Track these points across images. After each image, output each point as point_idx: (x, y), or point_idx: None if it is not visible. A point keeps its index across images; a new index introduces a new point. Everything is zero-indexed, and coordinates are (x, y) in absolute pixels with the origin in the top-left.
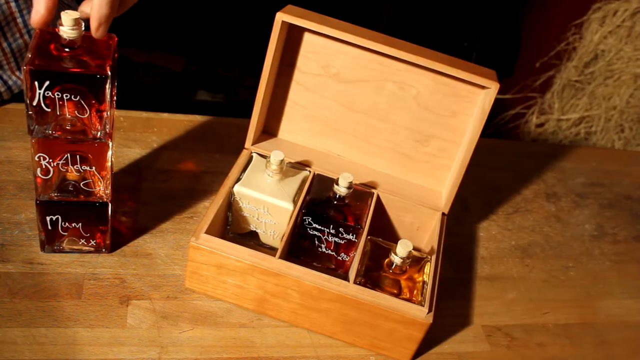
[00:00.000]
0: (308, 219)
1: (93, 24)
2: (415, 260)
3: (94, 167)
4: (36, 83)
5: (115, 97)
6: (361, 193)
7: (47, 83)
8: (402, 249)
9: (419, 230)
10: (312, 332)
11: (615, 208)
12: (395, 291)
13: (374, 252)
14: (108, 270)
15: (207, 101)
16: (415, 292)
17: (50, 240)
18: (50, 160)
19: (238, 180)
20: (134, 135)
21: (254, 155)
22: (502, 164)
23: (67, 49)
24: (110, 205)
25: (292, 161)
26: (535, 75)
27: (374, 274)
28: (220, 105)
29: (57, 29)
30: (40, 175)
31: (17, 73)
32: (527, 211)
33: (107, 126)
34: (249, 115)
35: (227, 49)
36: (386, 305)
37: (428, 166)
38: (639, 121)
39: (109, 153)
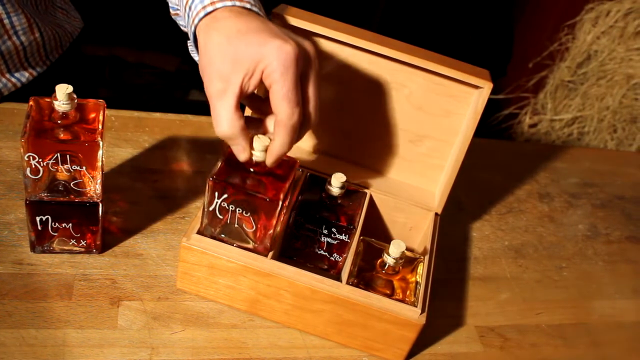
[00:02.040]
0: (300, 219)
1: (269, 160)
2: (408, 261)
3: (84, 167)
4: None
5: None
6: (354, 193)
7: None
8: (395, 250)
9: (412, 231)
10: (304, 333)
11: (608, 208)
12: (388, 292)
13: (367, 253)
14: (99, 271)
15: (200, 101)
16: (408, 292)
17: (40, 241)
18: (40, 160)
19: None
20: (125, 135)
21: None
22: (495, 164)
23: None
24: (101, 205)
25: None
26: (528, 76)
27: (366, 275)
28: None
29: None
30: (29, 175)
31: (7, 75)
32: (520, 211)
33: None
34: None
35: None
36: (379, 306)
37: (421, 166)
38: (632, 121)
39: (100, 153)
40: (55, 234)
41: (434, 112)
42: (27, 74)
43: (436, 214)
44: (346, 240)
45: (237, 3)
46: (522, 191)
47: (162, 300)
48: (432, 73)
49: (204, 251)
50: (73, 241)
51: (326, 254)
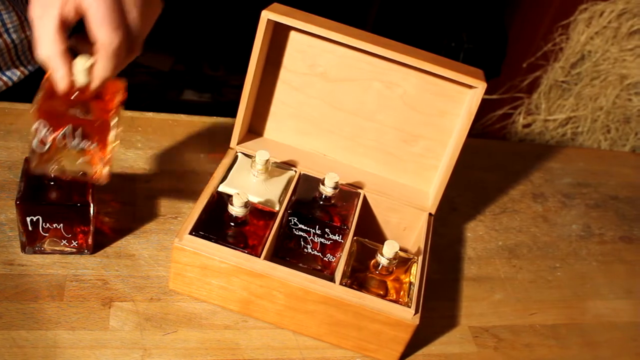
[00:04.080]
0: (294, 219)
1: (93, 84)
2: (402, 261)
3: (94, 144)
4: None
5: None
6: (347, 193)
7: None
8: (388, 250)
9: (405, 231)
10: (297, 334)
11: (602, 208)
12: (381, 292)
13: (361, 253)
14: (90, 271)
15: (193, 101)
16: (401, 293)
17: (31, 241)
18: (51, 129)
19: (223, 180)
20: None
21: (239, 155)
22: (489, 164)
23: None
24: (92, 205)
25: (278, 161)
26: (522, 76)
27: (360, 275)
28: (207, 105)
29: None
30: (36, 146)
31: None
32: (514, 211)
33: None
34: (235, 115)
35: (214, 48)
36: (372, 307)
37: (415, 166)
38: (625, 122)
39: (112, 133)
40: (46, 234)
41: (428, 111)
42: (18, 72)
43: (430, 214)
44: (339, 240)
45: None
46: (516, 191)
47: (154, 301)
48: (426, 73)
49: (197, 252)
50: (64, 242)
51: (319, 254)
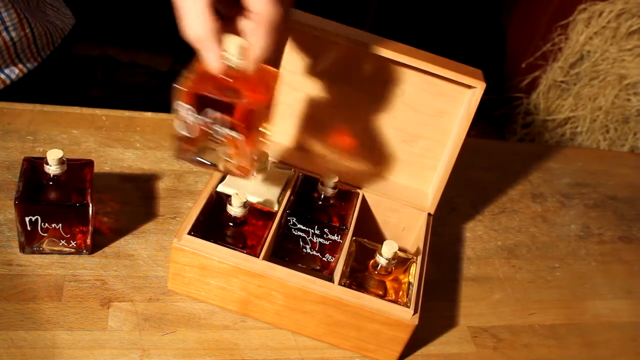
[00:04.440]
0: (292, 219)
1: (250, 64)
2: (401, 261)
3: (242, 136)
4: None
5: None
6: (346, 193)
7: None
8: (387, 250)
9: (404, 231)
10: (296, 334)
11: (601, 208)
12: (380, 292)
13: (359, 253)
14: (89, 271)
15: None
16: (400, 293)
17: (30, 242)
18: (198, 115)
19: (222, 180)
20: (116, 135)
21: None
22: (488, 164)
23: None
24: (91, 205)
25: (277, 161)
26: (522, 76)
27: (359, 275)
28: None
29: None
30: (183, 130)
31: None
32: (513, 211)
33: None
34: None
35: None
36: (371, 307)
37: (414, 166)
38: (624, 122)
39: (261, 127)
40: (45, 234)
41: (427, 111)
42: (17, 70)
43: (429, 214)
44: (338, 240)
45: None
46: (515, 191)
47: (153, 302)
48: (425, 73)
49: (195, 252)
50: (63, 242)
51: (318, 254)
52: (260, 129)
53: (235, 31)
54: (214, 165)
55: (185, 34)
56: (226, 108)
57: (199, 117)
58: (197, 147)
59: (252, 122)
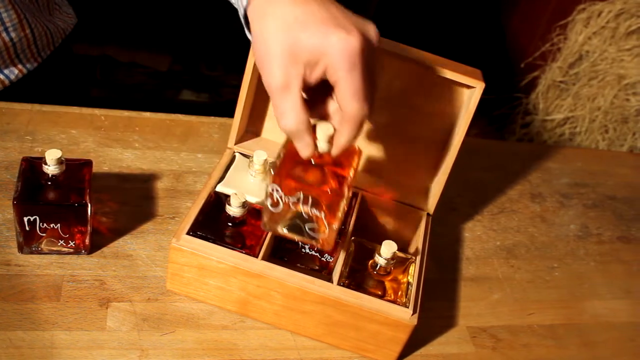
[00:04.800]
0: None
1: (334, 151)
2: (400, 261)
3: (323, 214)
4: None
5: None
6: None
7: None
8: (386, 250)
9: (403, 231)
10: (295, 334)
11: (600, 208)
12: (379, 292)
13: (358, 253)
14: (87, 272)
15: (191, 101)
16: (399, 293)
17: (28, 242)
18: (282, 194)
19: (221, 180)
20: (115, 135)
21: (237, 155)
22: (487, 164)
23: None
24: (89, 205)
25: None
26: (521, 76)
27: (358, 275)
28: (204, 105)
29: None
30: (269, 205)
31: None
32: (512, 211)
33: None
34: (233, 115)
35: (212, 48)
36: (370, 307)
37: (413, 166)
38: (623, 122)
39: (342, 204)
40: (44, 234)
41: (427, 111)
42: (16, 71)
43: (428, 214)
44: (337, 240)
45: None
46: (514, 191)
47: (151, 302)
48: (424, 72)
49: (194, 252)
50: (61, 242)
51: (317, 254)
52: (341, 204)
53: (324, 112)
54: (299, 237)
55: (280, 125)
56: (312, 191)
57: (288, 197)
58: (284, 221)
59: (334, 203)
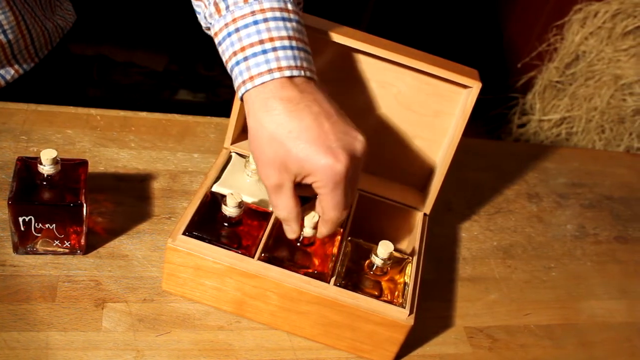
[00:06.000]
0: None
1: (319, 236)
2: (397, 262)
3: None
4: None
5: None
6: None
7: None
8: (383, 250)
9: (400, 231)
10: (291, 335)
11: (597, 208)
12: (376, 293)
13: (355, 253)
14: (83, 272)
15: (188, 101)
16: (396, 293)
17: (23, 242)
18: None
19: (217, 180)
20: (111, 135)
21: (233, 155)
22: (483, 164)
23: None
24: (85, 205)
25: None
26: (517, 76)
27: (354, 276)
28: (201, 105)
29: None
30: None
31: None
32: (509, 212)
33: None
34: (229, 115)
35: (209, 48)
36: (367, 307)
37: (410, 166)
38: (620, 122)
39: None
40: (39, 234)
41: (423, 111)
42: (12, 71)
43: (425, 214)
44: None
45: (287, 72)
46: (511, 191)
47: (147, 302)
48: (421, 72)
49: (190, 252)
50: (57, 242)
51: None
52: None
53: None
54: None
55: (275, 214)
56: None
57: None
58: None
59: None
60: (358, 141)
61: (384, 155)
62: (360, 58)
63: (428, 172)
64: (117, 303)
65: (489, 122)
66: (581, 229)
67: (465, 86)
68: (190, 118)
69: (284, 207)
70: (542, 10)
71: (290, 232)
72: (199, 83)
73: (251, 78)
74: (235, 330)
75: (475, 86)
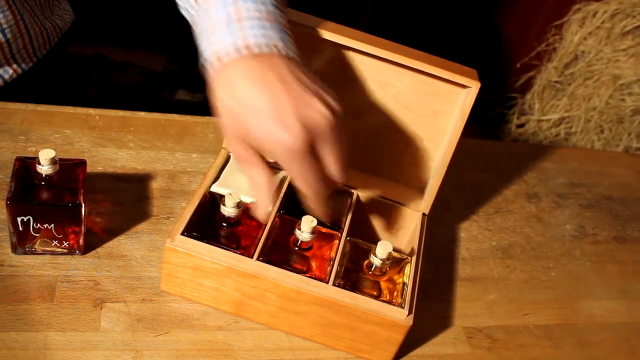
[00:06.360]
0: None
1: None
2: (395, 262)
3: None
4: None
5: None
6: (340, 193)
7: None
8: (381, 250)
9: (399, 231)
10: (290, 335)
11: (596, 208)
12: (375, 293)
13: (354, 254)
14: (81, 272)
15: (186, 100)
16: (395, 293)
17: (22, 242)
18: None
19: (215, 180)
20: (109, 135)
21: (232, 155)
22: (482, 164)
23: None
24: (83, 205)
25: (271, 161)
26: (516, 76)
27: (353, 276)
28: (200, 105)
29: None
30: None
31: None
32: (508, 211)
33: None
34: None
35: None
36: (365, 308)
37: (408, 166)
38: (618, 122)
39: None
40: (37, 235)
41: (422, 111)
42: (10, 71)
43: (423, 214)
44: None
45: (253, 43)
46: (509, 191)
47: (146, 302)
48: (420, 72)
49: (188, 253)
50: (55, 242)
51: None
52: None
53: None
54: None
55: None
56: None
57: None
58: None
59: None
60: (318, 113)
61: (382, 155)
62: (359, 58)
63: (427, 172)
64: (115, 303)
65: (488, 122)
66: (580, 229)
67: (464, 86)
68: (189, 118)
69: (256, 179)
70: (541, 10)
71: (260, 207)
72: (197, 83)
73: (214, 50)
74: (234, 331)
75: (474, 86)
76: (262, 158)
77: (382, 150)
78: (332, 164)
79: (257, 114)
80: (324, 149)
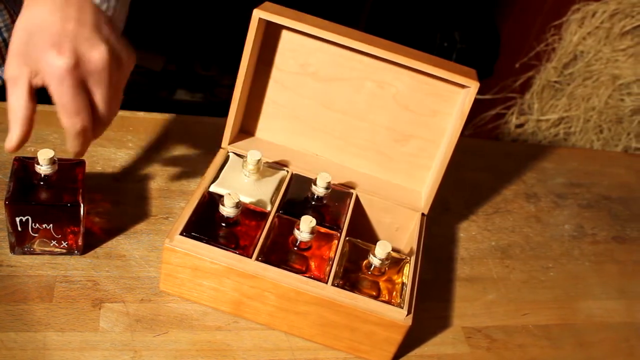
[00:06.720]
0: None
1: (73, 153)
2: (395, 262)
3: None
4: None
5: None
6: (339, 193)
7: None
8: (380, 250)
9: (398, 231)
10: (289, 335)
11: (595, 208)
12: (374, 293)
13: (353, 254)
14: (80, 272)
15: (185, 100)
16: (394, 293)
17: (21, 242)
18: None
19: (214, 180)
20: (108, 135)
21: (231, 155)
22: (482, 164)
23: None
24: (82, 205)
25: (270, 161)
26: (515, 76)
27: (352, 276)
28: (199, 105)
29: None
30: None
31: None
32: (507, 212)
33: None
34: (227, 115)
35: (206, 48)
36: (365, 308)
37: (407, 166)
38: (617, 122)
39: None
40: (36, 235)
41: (421, 111)
42: None
43: (423, 214)
44: None
45: None
46: (509, 191)
47: (145, 302)
48: (418, 72)
49: (187, 253)
50: (54, 242)
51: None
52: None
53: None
54: None
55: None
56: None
57: None
58: None
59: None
60: (97, 51)
61: (381, 155)
62: (358, 58)
63: (426, 171)
64: (114, 303)
65: (487, 122)
66: (579, 229)
67: (463, 86)
68: (188, 118)
69: (14, 102)
70: (540, 10)
71: (11, 134)
72: (196, 83)
73: None
74: (233, 331)
75: (473, 86)
76: (30, 84)
77: (381, 150)
78: (98, 101)
79: (43, 33)
80: (94, 86)
